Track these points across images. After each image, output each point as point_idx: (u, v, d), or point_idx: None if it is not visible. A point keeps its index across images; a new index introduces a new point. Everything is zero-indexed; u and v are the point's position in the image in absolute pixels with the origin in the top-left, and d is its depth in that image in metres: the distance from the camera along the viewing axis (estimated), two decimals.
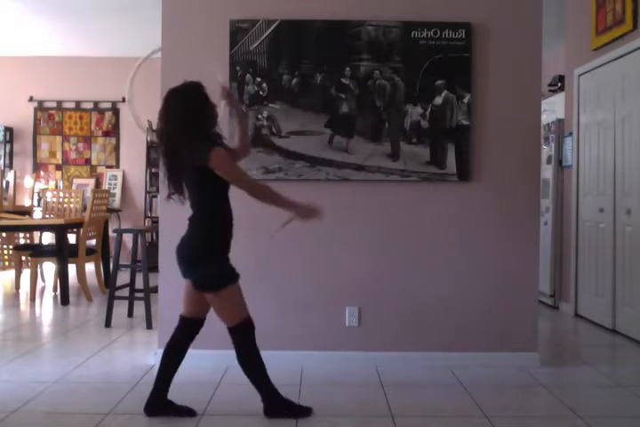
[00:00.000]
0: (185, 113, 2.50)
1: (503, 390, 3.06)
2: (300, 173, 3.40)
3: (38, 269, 5.93)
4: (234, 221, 2.65)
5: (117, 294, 4.53)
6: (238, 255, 3.43)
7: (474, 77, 3.42)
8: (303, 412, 2.66)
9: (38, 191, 7.77)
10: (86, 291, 5.42)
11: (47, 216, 6.27)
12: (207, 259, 2.54)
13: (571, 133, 5.20)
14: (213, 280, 2.53)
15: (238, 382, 2.83)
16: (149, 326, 4.30)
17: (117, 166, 8.13)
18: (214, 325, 3.42)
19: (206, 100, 2.59)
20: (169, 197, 2.61)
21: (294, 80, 3.41)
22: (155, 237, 7.47)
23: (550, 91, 6.05)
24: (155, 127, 8.58)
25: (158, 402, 2.63)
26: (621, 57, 4.35)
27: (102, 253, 6.01)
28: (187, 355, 3.39)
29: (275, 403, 2.63)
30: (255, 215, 3.42)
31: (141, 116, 7.92)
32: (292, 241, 3.30)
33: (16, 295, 5.71)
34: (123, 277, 4.89)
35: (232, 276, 2.57)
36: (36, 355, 3.67)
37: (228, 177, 2.52)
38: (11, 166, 8.04)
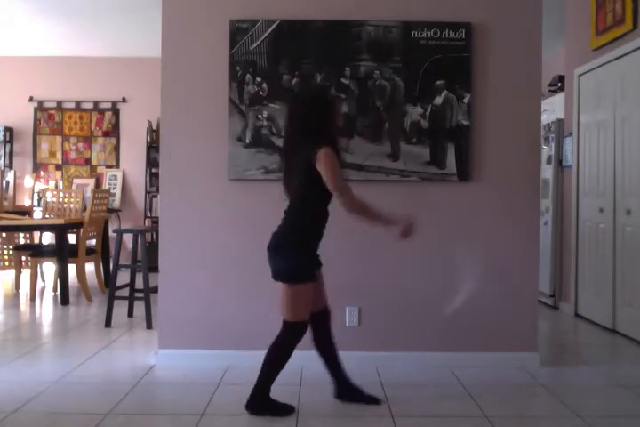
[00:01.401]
0: (309, 116, 2.65)
1: (503, 390, 3.06)
2: None
3: (38, 269, 5.93)
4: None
5: (117, 294, 4.52)
6: (238, 255, 3.44)
7: (474, 77, 3.42)
8: (286, 411, 2.70)
9: (38, 191, 7.77)
10: (86, 291, 5.42)
11: (47, 216, 6.27)
12: (289, 251, 2.63)
13: (571, 133, 5.20)
14: (288, 273, 2.62)
15: (238, 382, 2.83)
16: (149, 326, 4.30)
17: (117, 166, 8.13)
18: (215, 325, 3.43)
19: (330, 106, 2.72)
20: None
21: (294, 80, 3.41)
22: (155, 237, 7.47)
23: (550, 91, 6.05)
24: (155, 127, 8.54)
25: (344, 387, 2.83)
26: (621, 57, 4.35)
27: (102, 253, 6.01)
28: (186, 355, 3.41)
29: (260, 403, 2.68)
30: (256, 216, 3.42)
31: (140, 117, 7.96)
32: None
33: (16, 295, 5.70)
34: (123, 278, 4.89)
35: (306, 276, 2.63)
36: (36, 355, 3.67)
37: (326, 174, 2.54)
38: (11, 166, 8.04)
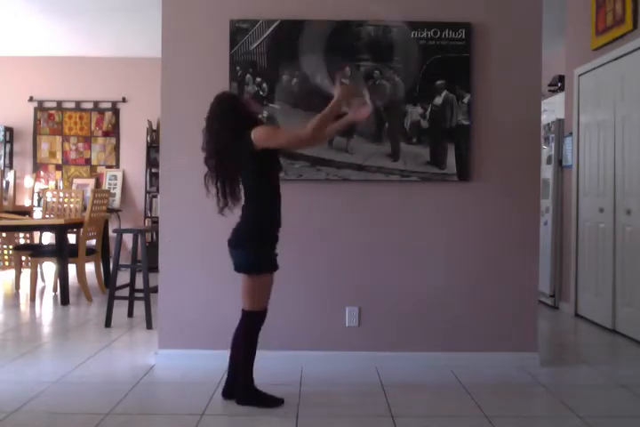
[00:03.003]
0: (222, 122, 2.69)
1: (503, 390, 3.06)
2: (300, 173, 3.40)
3: (38, 269, 5.92)
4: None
5: (117, 294, 4.52)
6: None
7: (474, 77, 3.42)
8: (275, 402, 2.75)
9: (38, 191, 7.77)
10: (86, 291, 5.42)
11: (47, 216, 6.27)
12: (248, 243, 2.69)
13: (571, 133, 5.20)
14: (248, 264, 2.69)
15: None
16: (149, 326, 4.29)
17: (117, 166, 8.13)
18: (215, 325, 3.43)
19: (235, 104, 2.77)
20: (222, 210, 2.74)
21: (294, 80, 3.41)
22: (155, 237, 7.47)
23: (550, 91, 6.05)
24: (155, 127, 8.51)
25: (233, 388, 2.81)
26: (621, 57, 4.35)
27: (102, 253, 6.01)
28: (186, 355, 3.41)
29: (249, 395, 2.74)
30: None
31: (140, 117, 7.96)
32: (292, 241, 3.29)
33: (16, 295, 5.70)
34: (123, 278, 4.89)
35: (267, 265, 2.71)
36: (36, 355, 3.67)
37: (272, 144, 2.65)
38: (11, 166, 8.04)
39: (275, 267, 2.74)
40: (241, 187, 2.75)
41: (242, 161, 2.69)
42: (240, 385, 2.76)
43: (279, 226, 2.77)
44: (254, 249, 2.70)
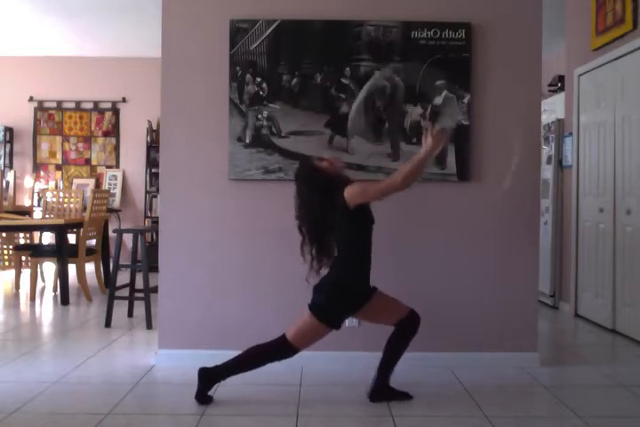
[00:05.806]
0: (308, 192, 2.76)
1: (503, 390, 3.06)
2: None
3: (38, 269, 5.93)
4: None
5: (117, 294, 4.52)
6: (238, 255, 3.44)
7: (474, 77, 3.42)
8: (202, 399, 2.79)
9: (38, 191, 7.77)
10: (86, 291, 5.42)
11: (47, 216, 6.27)
12: (329, 294, 2.73)
13: (571, 133, 5.20)
14: (319, 308, 2.72)
15: (238, 383, 2.83)
16: (149, 326, 4.30)
17: (117, 166, 8.13)
18: (215, 325, 3.43)
19: (313, 171, 2.80)
20: (317, 272, 2.77)
21: (294, 80, 3.41)
22: (155, 237, 7.47)
23: (550, 91, 6.05)
24: (155, 127, 8.51)
25: (379, 390, 2.87)
26: (621, 57, 4.35)
27: (102, 253, 6.01)
28: (186, 355, 3.41)
29: (207, 379, 2.80)
30: (256, 216, 3.42)
31: (140, 117, 7.96)
32: (291, 241, 3.29)
33: (16, 295, 5.70)
34: (123, 278, 4.89)
35: (333, 321, 2.75)
36: (36, 355, 3.67)
37: (366, 199, 2.72)
38: (11, 166, 8.04)
39: (337, 326, 2.76)
40: (334, 245, 2.78)
41: (336, 221, 2.71)
42: (213, 369, 2.78)
43: (367, 283, 2.81)
44: (332, 301, 2.73)
